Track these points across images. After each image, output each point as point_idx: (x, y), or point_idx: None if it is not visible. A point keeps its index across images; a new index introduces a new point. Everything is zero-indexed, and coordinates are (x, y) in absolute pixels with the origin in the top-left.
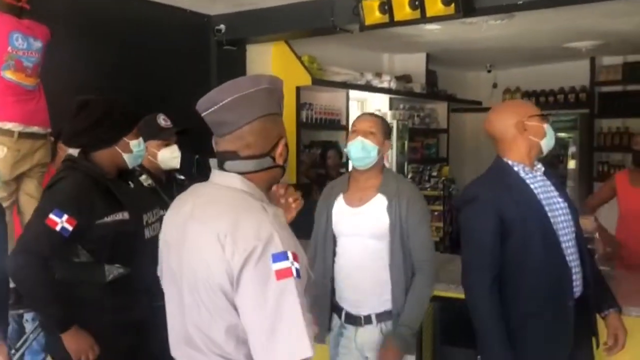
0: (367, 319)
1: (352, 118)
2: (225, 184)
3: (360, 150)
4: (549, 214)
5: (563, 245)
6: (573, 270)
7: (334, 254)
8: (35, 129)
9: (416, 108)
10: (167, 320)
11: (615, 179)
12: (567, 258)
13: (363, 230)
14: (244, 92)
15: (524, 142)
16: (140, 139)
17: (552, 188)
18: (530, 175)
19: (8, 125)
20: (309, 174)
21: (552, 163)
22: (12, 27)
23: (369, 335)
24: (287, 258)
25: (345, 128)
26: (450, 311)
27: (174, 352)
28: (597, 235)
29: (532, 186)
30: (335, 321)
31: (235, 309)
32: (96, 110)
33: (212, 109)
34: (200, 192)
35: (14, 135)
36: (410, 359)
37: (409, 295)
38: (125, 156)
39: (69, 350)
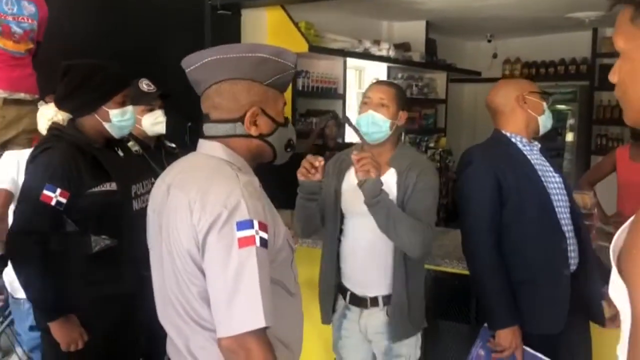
0: (374, 301)
1: (349, 86)
2: (208, 152)
3: (370, 125)
4: (545, 185)
5: (559, 216)
6: (568, 242)
7: (341, 232)
8: (21, 95)
9: (415, 77)
10: (153, 288)
11: (616, 154)
12: (563, 228)
13: None
14: (227, 55)
15: (522, 114)
16: (126, 108)
17: (548, 164)
18: (528, 147)
19: None
20: (310, 148)
21: (550, 135)
22: None
23: (375, 319)
24: (252, 226)
25: (343, 97)
26: (443, 285)
27: (161, 319)
28: (595, 211)
29: (528, 156)
30: (340, 302)
31: (204, 274)
32: (76, 76)
33: (192, 67)
34: (185, 161)
35: None
36: (416, 338)
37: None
38: (106, 125)
39: (58, 339)
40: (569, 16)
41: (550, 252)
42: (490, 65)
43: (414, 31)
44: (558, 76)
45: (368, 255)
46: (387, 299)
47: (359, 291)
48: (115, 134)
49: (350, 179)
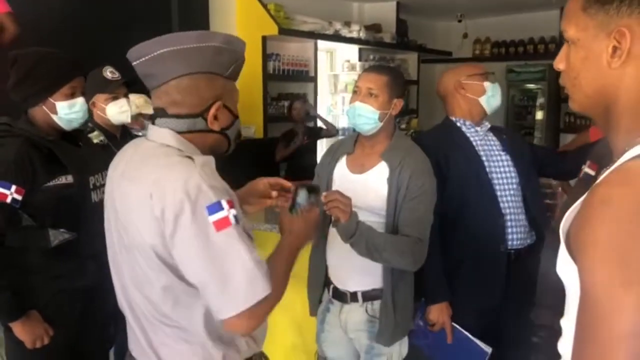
0: (353, 297)
1: (320, 69)
2: (158, 140)
3: (356, 117)
4: (486, 164)
5: (498, 194)
6: (509, 218)
7: (330, 221)
8: None
9: (386, 59)
10: (113, 281)
11: (590, 132)
12: (502, 205)
13: (360, 201)
14: (181, 46)
15: (462, 99)
16: (75, 100)
17: (497, 144)
18: (473, 130)
19: None
20: (284, 154)
21: (520, 114)
22: None
23: (354, 315)
24: (222, 207)
25: (314, 79)
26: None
27: (124, 311)
28: (560, 189)
29: (472, 139)
30: (325, 295)
31: (170, 269)
32: (22, 66)
33: (142, 59)
34: (135, 149)
35: None
36: (403, 342)
37: (395, 236)
38: (54, 118)
39: (21, 338)
40: None
41: (487, 231)
42: (461, 46)
43: (384, 12)
44: (527, 55)
45: (348, 248)
46: (367, 295)
47: (340, 285)
48: (64, 126)
49: (342, 168)
